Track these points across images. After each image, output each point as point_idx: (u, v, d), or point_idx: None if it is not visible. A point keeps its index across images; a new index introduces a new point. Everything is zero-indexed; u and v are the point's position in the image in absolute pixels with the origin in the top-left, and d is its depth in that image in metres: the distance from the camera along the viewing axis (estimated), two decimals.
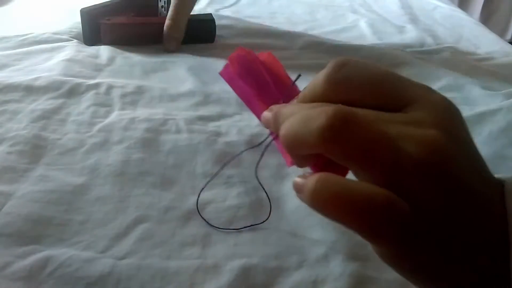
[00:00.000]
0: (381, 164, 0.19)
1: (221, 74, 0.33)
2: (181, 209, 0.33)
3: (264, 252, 0.30)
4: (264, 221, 0.32)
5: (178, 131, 0.43)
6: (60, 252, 0.29)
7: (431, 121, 0.21)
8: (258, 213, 0.33)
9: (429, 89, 0.23)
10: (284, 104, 0.28)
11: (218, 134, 0.43)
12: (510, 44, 0.76)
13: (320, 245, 0.31)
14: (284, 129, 0.22)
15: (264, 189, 0.34)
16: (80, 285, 0.27)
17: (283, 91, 0.30)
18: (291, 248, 0.30)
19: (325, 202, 0.19)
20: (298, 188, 0.21)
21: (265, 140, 0.30)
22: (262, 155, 0.30)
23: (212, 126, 0.44)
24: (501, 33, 1.73)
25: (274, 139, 0.29)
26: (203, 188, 0.34)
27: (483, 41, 0.74)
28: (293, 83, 0.31)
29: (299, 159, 0.23)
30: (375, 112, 0.22)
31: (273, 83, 0.32)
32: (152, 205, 0.34)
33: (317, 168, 0.23)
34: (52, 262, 0.28)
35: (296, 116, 0.21)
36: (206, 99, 0.49)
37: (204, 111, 0.47)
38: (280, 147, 0.28)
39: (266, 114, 0.27)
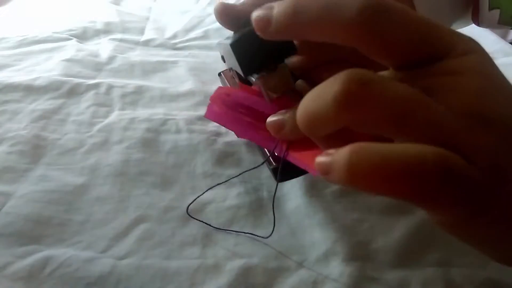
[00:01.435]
0: (417, 123, 0.17)
1: (207, 116, 0.34)
2: (181, 209, 0.33)
3: (264, 252, 0.30)
4: (268, 237, 0.31)
5: (178, 131, 0.43)
6: (60, 252, 0.29)
7: (467, 67, 0.19)
8: (258, 213, 0.33)
9: (469, 39, 0.21)
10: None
11: (218, 134, 0.43)
12: (510, 44, 0.75)
13: (320, 245, 0.31)
14: (298, 113, 0.19)
15: (274, 212, 0.32)
16: (80, 285, 0.27)
17: (275, 108, 0.29)
18: (291, 248, 0.30)
19: (367, 175, 0.16)
20: (324, 169, 0.17)
21: (273, 153, 0.29)
22: (279, 173, 0.29)
23: (212, 126, 0.44)
24: (501, 33, 1.73)
25: (286, 150, 0.27)
26: (202, 194, 0.34)
27: (483, 41, 0.74)
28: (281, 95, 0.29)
29: (324, 142, 0.21)
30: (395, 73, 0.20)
31: (263, 107, 0.30)
32: (152, 205, 0.34)
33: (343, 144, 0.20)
34: (52, 262, 0.28)
35: (308, 95, 0.19)
36: (206, 99, 0.49)
37: (204, 111, 0.46)
38: (298, 155, 0.26)
39: (274, 119, 0.25)
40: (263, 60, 0.28)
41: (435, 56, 0.19)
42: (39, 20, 0.69)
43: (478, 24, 0.41)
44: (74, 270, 0.28)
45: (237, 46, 0.27)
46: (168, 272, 0.28)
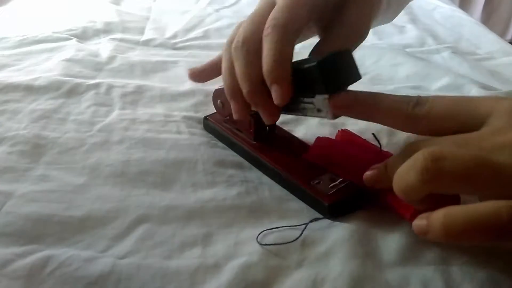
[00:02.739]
0: (485, 182, 0.22)
1: (306, 156, 0.37)
2: (181, 209, 0.33)
3: (264, 250, 0.30)
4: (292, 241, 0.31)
5: (178, 131, 0.43)
6: (61, 252, 0.29)
7: (510, 124, 0.25)
8: (260, 213, 0.33)
9: (496, 98, 0.27)
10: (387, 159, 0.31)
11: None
12: (510, 44, 0.75)
13: (320, 243, 0.31)
14: (394, 187, 0.25)
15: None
16: (80, 284, 0.27)
17: (374, 158, 0.33)
18: (291, 246, 0.30)
19: (460, 232, 0.21)
20: (423, 230, 0.23)
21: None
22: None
23: None
24: (501, 33, 1.73)
25: (386, 198, 0.31)
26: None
27: (483, 41, 0.74)
28: (380, 147, 0.36)
29: (419, 203, 0.26)
30: (461, 137, 0.26)
31: (360, 153, 0.37)
32: (152, 205, 0.34)
33: (433, 204, 0.25)
34: (52, 262, 0.28)
35: (399, 172, 0.25)
36: (206, 99, 0.49)
37: (205, 111, 0.47)
38: (395, 203, 0.31)
39: (373, 172, 0.31)
40: (342, 81, 0.31)
41: (478, 123, 0.26)
42: (39, 20, 0.69)
43: None
44: (74, 270, 0.28)
45: (322, 65, 0.30)
46: (168, 272, 0.28)
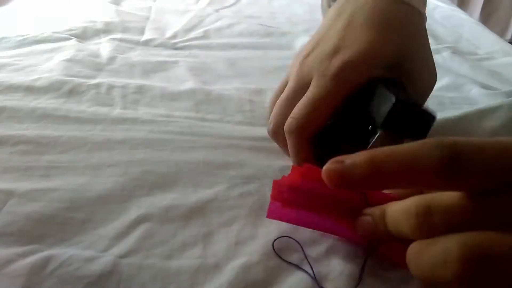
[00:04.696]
0: None
1: (269, 217, 0.31)
2: (182, 208, 0.33)
3: (265, 251, 0.30)
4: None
5: (181, 132, 0.43)
6: (61, 251, 0.29)
7: None
8: (261, 212, 0.33)
9: None
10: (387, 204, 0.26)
11: (220, 135, 0.43)
12: (510, 44, 0.76)
13: (321, 243, 0.31)
14: (419, 275, 0.21)
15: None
16: (81, 284, 0.27)
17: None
18: (292, 246, 0.31)
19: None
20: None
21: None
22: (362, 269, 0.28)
23: (215, 126, 0.44)
24: (501, 33, 1.73)
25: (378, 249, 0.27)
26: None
27: (483, 41, 0.74)
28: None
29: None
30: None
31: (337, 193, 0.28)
32: (153, 204, 0.34)
33: None
34: (53, 261, 0.28)
35: (425, 261, 0.20)
36: (207, 98, 0.49)
37: (206, 111, 0.47)
38: (389, 252, 0.27)
39: (365, 219, 0.26)
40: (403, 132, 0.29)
41: None
42: (39, 20, 0.69)
43: None
44: (75, 269, 0.28)
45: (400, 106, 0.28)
46: (169, 272, 0.28)
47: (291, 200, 0.29)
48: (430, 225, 0.21)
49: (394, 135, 0.29)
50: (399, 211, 0.23)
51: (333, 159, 0.22)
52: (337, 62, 0.35)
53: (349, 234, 0.29)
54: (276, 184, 0.29)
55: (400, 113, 0.28)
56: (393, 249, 0.25)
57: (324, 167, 0.22)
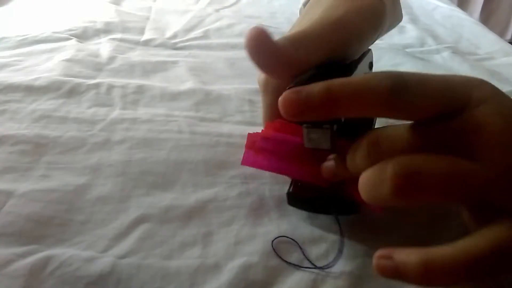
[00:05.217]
0: (465, 191, 0.21)
1: (244, 164, 0.33)
2: (182, 208, 0.33)
3: (265, 250, 0.30)
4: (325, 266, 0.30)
5: (180, 131, 0.43)
6: (61, 252, 0.29)
7: (488, 122, 0.22)
8: (260, 212, 0.34)
9: (472, 83, 0.24)
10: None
11: (220, 135, 0.43)
12: (510, 44, 0.76)
13: (321, 243, 0.31)
14: (363, 195, 0.23)
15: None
16: (80, 284, 0.27)
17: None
18: (292, 246, 0.31)
19: (438, 276, 0.20)
20: (395, 273, 0.21)
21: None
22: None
23: (214, 126, 0.44)
24: (501, 33, 1.74)
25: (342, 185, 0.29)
26: None
27: (483, 41, 0.74)
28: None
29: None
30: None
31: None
32: (153, 204, 0.34)
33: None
34: (52, 262, 0.28)
35: (365, 182, 0.23)
36: (207, 98, 0.49)
37: (205, 110, 0.47)
38: (355, 193, 0.27)
39: (329, 163, 0.28)
40: None
41: (455, 110, 0.23)
42: (39, 20, 0.69)
43: None
44: (74, 270, 0.28)
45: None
46: (168, 272, 0.28)
47: (263, 148, 0.32)
48: (377, 152, 0.23)
49: None
50: (354, 146, 0.25)
51: (290, 89, 0.23)
52: None
53: (315, 178, 0.30)
54: (250, 136, 0.33)
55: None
56: (354, 188, 0.26)
57: (281, 97, 0.23)
